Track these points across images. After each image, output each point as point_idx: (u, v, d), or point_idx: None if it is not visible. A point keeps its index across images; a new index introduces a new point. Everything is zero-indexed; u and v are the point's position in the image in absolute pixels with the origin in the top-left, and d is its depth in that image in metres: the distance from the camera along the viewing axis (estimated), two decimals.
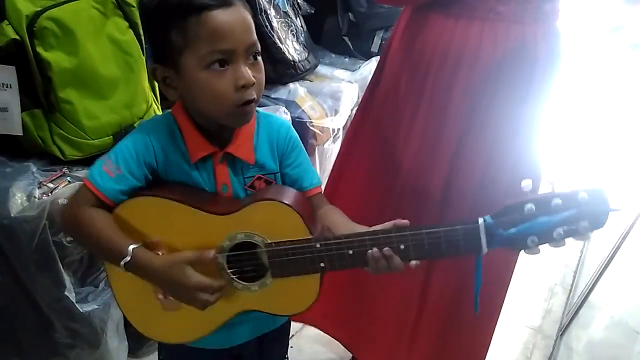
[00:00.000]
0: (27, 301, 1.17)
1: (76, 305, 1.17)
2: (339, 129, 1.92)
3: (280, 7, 1.92)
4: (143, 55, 1.31)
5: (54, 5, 1.15)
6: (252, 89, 0.81)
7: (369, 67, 2.10)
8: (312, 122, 1.77)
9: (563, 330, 1.98)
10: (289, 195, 0.90)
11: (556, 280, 2.34)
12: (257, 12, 1.77)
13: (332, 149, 1.93)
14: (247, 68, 0.80)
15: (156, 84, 1.35)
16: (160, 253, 0.87)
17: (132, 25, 1.28)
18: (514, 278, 2.07)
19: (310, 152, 1.81)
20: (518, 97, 1.23)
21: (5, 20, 1.11)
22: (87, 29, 1.20)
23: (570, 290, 2.26)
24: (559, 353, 1.91)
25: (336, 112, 1.88)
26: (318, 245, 0.85)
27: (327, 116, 1.84)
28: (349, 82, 2.03)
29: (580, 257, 2.47)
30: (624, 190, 2.53)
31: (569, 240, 0.77)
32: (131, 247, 0.84)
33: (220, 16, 0.78)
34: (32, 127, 1.20)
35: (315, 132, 1.79)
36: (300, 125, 1.75)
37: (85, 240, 0.90)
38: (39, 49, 1.14)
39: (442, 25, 1.20)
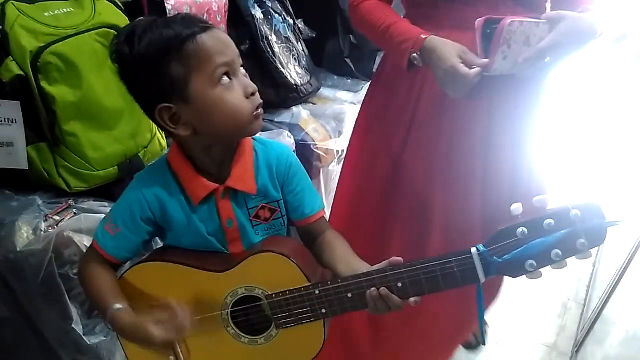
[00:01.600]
0: (34, 335, 1.17)
1: (83, 337, 1.17)
2: (343, 151, 1.92)
3: (282, 33, 1.94)
4: None
5: (57, 40, 1.17)
6: (258, 95, 0.86)
7: None
8: (316, 145, 1.78)
9: (578, 346, 1.94)
10: (284, 244, 0.92)
11: (569, 295, 2.31)
12: (258, 39, 1.79)
13: (336, 171, 1.93)
14: (246, 78, 0.86)
15: None
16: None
17: None
18: (526, 295, 2.05)
19: (315, 175, 1.81)
20: (520, 107, 1.20)
21: (10, 57, 1.13)
22: (90, 62, 1.21)
23: (584, 305, 2.23)
24: None
25: (340, 133, 1.89)
26: (317, 292, 0.86)
27: (330, 138, 1.84)
28: (352, 103, 2.04)
29: (593, 271, 2.44)
30: (633, 201, 2.51)
31: (572, 260, 0.75)
32: (114, 306, 0.86)
33: (209, 37, 0.82)
34: (37, 161, 1.21)
35: (319, 154, 1.79)
36: (304, 148, 1.75)
37: (87, 294, 0.94)
38: (43, 84, 1.16)
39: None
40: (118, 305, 0.87)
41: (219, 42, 0.82)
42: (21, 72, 1.13)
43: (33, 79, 1.14)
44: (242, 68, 0.86)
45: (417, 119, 1.25)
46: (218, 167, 0.90)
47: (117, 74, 0.85)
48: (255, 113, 0.85)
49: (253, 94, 0.84)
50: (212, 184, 0.89)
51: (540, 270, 0.76)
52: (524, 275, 0.77)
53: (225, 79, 0.82)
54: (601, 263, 2.43)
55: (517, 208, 0.75)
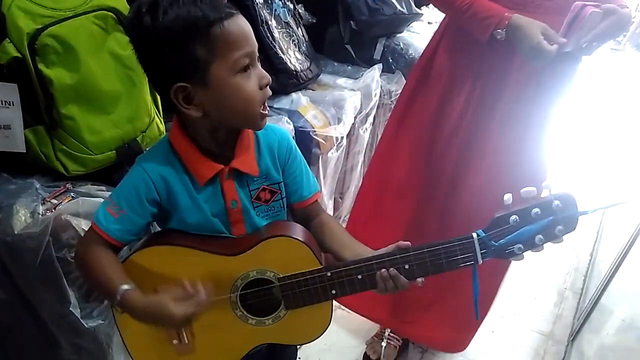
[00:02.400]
0: (32, 318, 1.17)
1: (81, 320, 1.16)
2: (342, 137, 1.92)
3: (282, 17, 1.92)
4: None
5: (54, 22, 1.15)
6: (269, 87, 0.87)
7: (372, 74, 2.10)
8: (315, 131, 1.77)
9: (574, 335, 1.95)
10: (294, 228, 0.95)
11: (566, 284, 2.32)
12: (258, 24, 1.77)
13: (335, 157, 1.92)
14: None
15: (158, 98, 1.35)
16: None
17: None
18: (524, 283, 2.08)
19: (314, 161, 1.80)
20: (558, 89, 1.39)
21: (7, 39, 1.12)
22: (88, 45, 1.20)
23: (581, 294, 2.24)
24: (570, 358, 1.88)
25: (339, 120, 1.88)
26: (329, 274, 0.90)
27: (330, 125, 1.83)
28: (352, 90, 2.03)
29: (590, 260, 2.45)
30: (631, 191, 2.51)
31: (567, 250, 0.85)
32: (122, 287, 0.86)
33: (236, 24, 0.82)
34: (35, 144, 1.20)
35: (318, 141, 1.78)
36: (303, 134, 1.75)
37: (88, 278, 0.94)
38: (41, 66, 1.14)
39: None
40: (126, 286, 0.86)
41: (243, 31, 0.83)
42: (18, 54, 1.12)
43: (30, 61, 1.13)
44: (258, 58, 0.87)
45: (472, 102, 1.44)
46: (221, 149, 0.91)
47: (131, 45, 0.85)
48: (263, 109, 0.86)
49: (267, 85, 0.86)
50: (218, 164, 0.90)
51: (524, 253, 0.88)
52: (511, 258, 0.89)
53: (245, 69, 0.83)
54: (598, 252, 2.43)
55: (508, 198, 0.86)
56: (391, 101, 2.26)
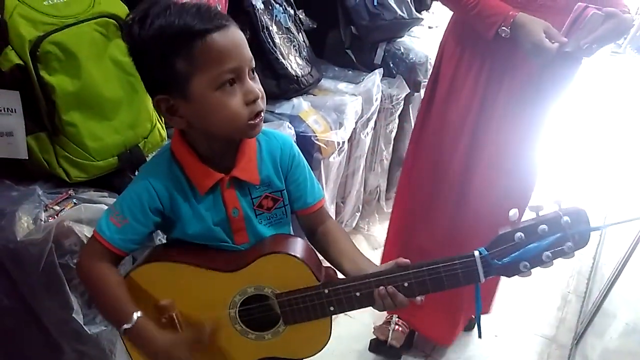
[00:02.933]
0: (34, 324, 1.17)
1: (84, 327, 1.17)
2: (343, 142, 1.92)
3: (282, 23, 1.93)
4: None
5: (56, 29, 1.16)
6: (259, 101, 0.84)
7: (373, 79, 2.11)
8: (316, 136, 1.77)
9: (578, 339, 1.95)
10: (294, 244, 0.94)
11: (569, 288, 2.31)
12: (259, 30, 1.78)
13: (337, 162, 1.92)
14: (252, 83, 0.83)
15: None
16: (168, 316, 0.90)
17: None
18: (527, 287, 2.09)
19: (316, 166, 1.81)
20: (557, 91, 1.42)
21: (9, 46, 1.12)
22: (90, 51, 1.21)
23: (584, 298, 2.23)
24: None
25: (340, 125, 1.88)
26: (326, 291, 0.89)
27: (331, 129, 1.83)
28: (353, 95, 2.03)
29: (594, 264, 2.44)
30: (633, 196, 2.50)
31: (560, 260, 0.83)
32: (136, 315, 0.86)
33: (222, 38, 0.79)
34: (37, 151, 1.20)
35: (320, 145, 1.78)
36: (304, 139, 1.75)
37: (94, 294, 0.94)
38: (43, 73, 1.15)
39: None
40: (137, 315, 0.87)
41: (231, 45, 0.81)
42: (20, 62, 1.12)
43: (32, 68, 1.14)
44: (254, 72, 0.85)
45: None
46: (221, 157, 0.90)
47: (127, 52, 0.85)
48: (251, 122, 0.84)
49: (254, 101, 0.83)
50: (218, 173, 0.90)
51: (531, 270, 0.84)
52: (517, 275, 0.85)
53: (227, 85, 0.81)
54: (601, 256, 2.43)
55: (514, 214, 0.82)
56: (392, 105, 2.26)
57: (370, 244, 2.41)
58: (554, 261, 0.83)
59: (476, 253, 0.84)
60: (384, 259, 1.85)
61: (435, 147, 1.60)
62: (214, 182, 0.90)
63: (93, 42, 1.21)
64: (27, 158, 1.20)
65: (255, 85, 0.84)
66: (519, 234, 0.82)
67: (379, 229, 2.49)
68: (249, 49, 0.84)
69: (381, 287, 0.86)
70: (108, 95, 1.24)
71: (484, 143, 1.50)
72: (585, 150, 3.40)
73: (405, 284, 0.86)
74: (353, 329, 1.88)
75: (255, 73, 0.86)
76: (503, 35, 1.32)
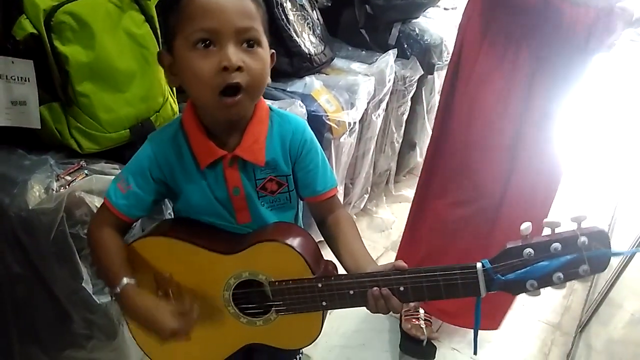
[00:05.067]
0: (45, 292, 1.19)
1: (93, 296, 1.18)
2: (355, 123, 1.91)
3: (297, 0, 1.91)
4: (159, 48, 1.31)
5: None
6: (236, 74, 0.78)
7: (386, 60, 2.09)
8: (327, 116, 1.76)
9: (582, 327, 1.95)
10: (293, 234, 0.92)
11: None
12: (273, 6, 1.76)
13: (347, 143, 1.92)
14: (235, 51, 0.78)
15: None
16: (163, 289, 0.90)
17: (148, 19, 1.28)
18: None
19: (326, 146, 1.80)
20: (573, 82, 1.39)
21: (23, 15, 1.12)
22: (104, 23, 1.20)
23: (590, 287, 2.23)
24: (577, 350, 1.88)
25: (352, 105, 1.87)
26: (320, 285, 0.87)
27: (343, 110, 1.82)
28: (366, 75, 2.01)
29: None
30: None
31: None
32: (125, 279, 0.87)
33: None
34: (50, 121, 1.21)
35: (331, 125, 1.78)
36: (316, 118, 1.74)
37: (94, 258, 0.97)
38: (57, 43, 1.15)
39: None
40: (127, 280, 0.87)
41: (218, 4, 0.77)
42: (34, 31, 1.12)
43: (46, 37, 1.14)
44: (253, 47, 0.80)
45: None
46: (228, 133, 0.89)
47: (147, 24, 0.94)
48: (222, 98, 0.79)
49: (226, 69, 0.77)
50: (219, 150, 0.87)
51: (540, 290, 0.78)
52: (522, 294, 0.79)
53: (200, 45, 0.77)
54: (615, 233, 2.42)
55: (527, 227, 0.76)
56: (405, 87, 2.24)
57: (377, 226, 2.41)
58: (566, 283, 0.77)
59: (479, 265, 0.79)
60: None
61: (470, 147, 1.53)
62: (215, 158, 0.88)
63: (107, 14, 1.21)
64: (39, 128, 1.20)
65: (241, 56, 0.78)
66: (528, 250, 0.76)
67: (387, 212, 2.49)
68: (249, 18, 0.79)
69: (375, 288, 0.83)
70: (121, 67, 1.24)
71: (527, 136, 1.46)
72: (603, 144, 3.34)
73: (401, 288, 0.82)
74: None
75: (255, 48, 0.80)
76: None
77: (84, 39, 1.18)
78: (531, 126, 1.45)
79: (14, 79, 1.14)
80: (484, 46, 1.44)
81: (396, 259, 0.93)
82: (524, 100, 1.43)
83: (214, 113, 0.85)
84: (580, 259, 0.74)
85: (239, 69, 0.78)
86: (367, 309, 0.86)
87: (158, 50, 0.87)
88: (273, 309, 0.92)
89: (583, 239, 0.74)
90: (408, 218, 1.82)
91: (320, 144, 0.99)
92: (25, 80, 1.15)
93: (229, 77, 0.78)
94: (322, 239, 1.01)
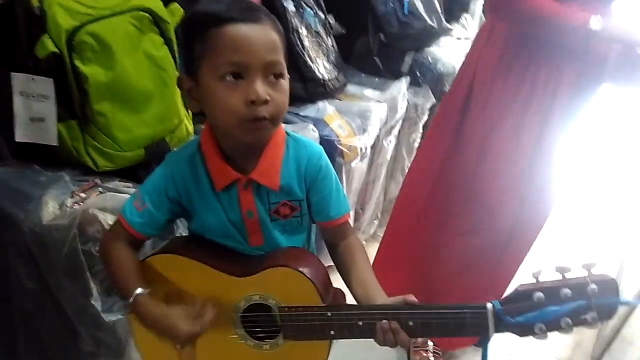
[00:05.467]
0: (54, 308, 1.19)
1: (102, 314, 1.18)
2: (366, 148, 1.92)
3: (312, 26, 1.94)
4: (177, 71, 1.33)
5: (92, 20, 1.18)
6: (263, 107, 0.80)
7: (399, 87, 2.11)
8: (339, 141, 1.77)
9: None
10: (305, 261, 0.92)
11: None
12: (289, 32, 1.79)
13: (359, 168, 1.92)
14: (262, 85, 0.79)
15: None
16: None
17: (167, 42, 1.31)
18: None
19: (338, 171, 1.81)
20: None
21: (46, 34, 1.15)
22: (124, 44, 1.23)
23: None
24: None
25: (364, 131, 1.88)
26: (329, 314, 0.87)
27: (355, 135, 1.83)
28: (378, 101, 2.03)
29: None
30: None
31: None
32: (136, 291, 0.88)
33: (242, 29, 0.79)
34: (67, 138, 1.23)
35: (342, 150, 1.78)
36: (327, 143, 1.75)
37: (107, 271, 0.96)
38: (77, 63, 1.17)
39: None
40: (141, 290, 0.88)
41: (245, 39, 0.78)
42: (56, 50, 1.15)
43: (67, 57, 1.16)
44: (279, 79, 0.82)
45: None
46: (244, 156, 0.89)
47: (165, 46, 0.96)
48: (248, 126, 0.80)
49: (254, 103, 0.79)
50: (234, 173, 0.88)
51: (547, 334, 0.79)
52: (531, 336, 0.80)
53: (230, 77, 0.79)
54: (622, 281, 2.38)
55: (538, 271, 0.77)
56: (417, 115, 2.25)
57: None
58: (574, 328, 0.77)
59: (489, 305, 0.79)
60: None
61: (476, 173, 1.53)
62: (230, 181, 0.89)
63: (127, 35, 1.24)
64: (56, 145, 1.22)
65: (266, 89, 0.79)
66: (539, 294, 0.77)
67: None
68: (275, 51, 0.81)
69: (384, 321, 0.83)
70: (139, 88, 1.26)
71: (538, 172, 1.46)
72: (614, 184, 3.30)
73: (410, 323, 0.82)
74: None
75: (280, 80, 0.82)
76: (596, 25, 1.23)
77: (104, 59, 1.21)
78: (542, 164, 1.46)
79: (34, 97, 1.17)
80: (499, 78, 1.44)
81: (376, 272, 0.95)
82: (538, 133, 1.43)
83: (236, 137, 0.85)
84: (589, 306, 0.75)
85: (265, 102, 0.80)
86: (375, 341, 0.85)
87: (177, 73, 0.88)
88: (281, 334, 0.91)
89: (593, 286, 0.75)
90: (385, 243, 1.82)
91: None
92: (45, 98, 1.18)
93: (256, 110, 0.80)
94: (332, 263, 1.01)
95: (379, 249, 1.84)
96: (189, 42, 0.82)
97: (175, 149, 0.98)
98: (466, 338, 1.72)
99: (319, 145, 0.97)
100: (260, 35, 0.80)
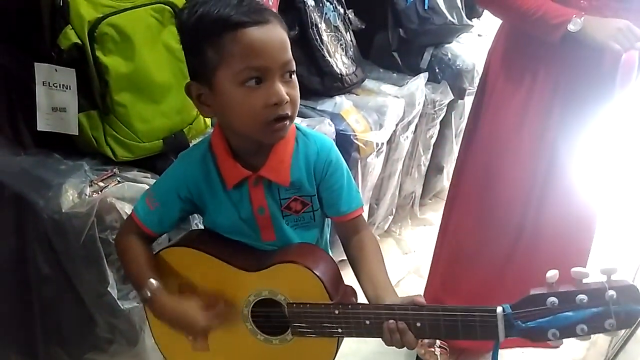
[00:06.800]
0: (71, 294, 1.22)
1: (117, 301, 1.20)
2: (382, 144, 1.91)
3: (332, 21, 1.94)
4: None
5: (114, 12, 1.20)
6: (285, 106, 0.81)
7: (417, 83, 2.09)
8: (356, 135, 1.77)
9: None
10: (315, 257, 0.92)
11: None
12: (308, 26, 1.80)
13: (374, 163, 1.92)
14: (280, 85, 0.80)
15: None
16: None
17: None
18: None
19: (353, 166, 1.81)
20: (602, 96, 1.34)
21: (69, 25, 1.17)
22: (145, 36, 1.25)
23: None
24: None
25: (381, 126, 1.88)
26: (336, 312, 0.87)
27: (371, 130, 1.83)
28: (396, 97, 2.02)
29: None
30: None
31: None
32: (151, 282, 0.89)
33: (256, 33, 0.78)
34: (87, 128, 1.25)
35: (358, 145, 1.79)
36: (344, 138, 1.75)
37: (122, 264, 0.98)
38: (98, 54, 1.19)
39: None
40: (154, 282, 0.89)
41: (262, 42, 0.78)
42: (79, 41, 1.17)
43: (89, 48, 1.18)
44: (292, 76, 0.82)
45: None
46: (254, 154, 0.89)
47: None
48: (271, 126, 0.81)
49: (276, 105, 0.79)
50: (245, 170, 0.89)
51: (562, 340, 0.76)
52: (544, 342, 0.77)
53: (252, 82, 0.79)
54: (638, 282, 2.35)
55: (553, 275, 0.74)
56: (434, 111, 2.24)
57: (400, 248, 2.39)
58: (590, 336, 0.74)
59: (499, 309, 0.77)
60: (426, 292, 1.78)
61: (489, 167, 1.53)
62: (240, 178, 0.89)
63: (148, 27, 1.25)
64: (77, 134, 1.24)
65: (285, 89, 0.80)
66: (552, 298, 0.74)
67: (411, 234, 2.47)
68: (288, 50, 0.81)
69: (391, 321, 0.82)
70: (159, 79, 1.27)
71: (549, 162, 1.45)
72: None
73: (418, 324, 0.81)
74: None
75: (293, 77, 0.83)
76: (573, 28, 1.25)
77: (125, 51, 1.22)
78: (550, 153, 1.44)
79: (56, 86, 1.19)
80: (503, 70, 1.46)
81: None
82: (541, 124, 1.43)
83: (257, 139, 0.86)
84: (607, 312, 0.72)
85: (286, 102, 0.81)
86: (382, 340, 0.85)
87: (190, 80, 0.86)
88: (289, 329, 0.92)
89: (611, 292, 0.71)
90: (435, 244, 1.81)
91: (347, 164, 0.98)
92: (67, 88, 1.20)
93: (277, 110, 0.80)
94: (346, 257, 1.01)
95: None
96: (198, 48, 0.80)
97: (186, 149, 0.98)
98: (481, 344, 1.73)
99: (330, 140, 0.97)
100: (273, 37, 0.80)
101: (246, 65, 0.78)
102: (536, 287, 0.77)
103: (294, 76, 0.84)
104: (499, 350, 0.85)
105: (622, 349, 1.84)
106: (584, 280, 0.74)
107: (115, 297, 1.20)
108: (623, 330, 1.91)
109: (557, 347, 0.76)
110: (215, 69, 0.80)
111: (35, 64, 1.17)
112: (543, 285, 0.76)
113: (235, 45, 0.78)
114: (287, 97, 0.80)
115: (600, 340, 2.06)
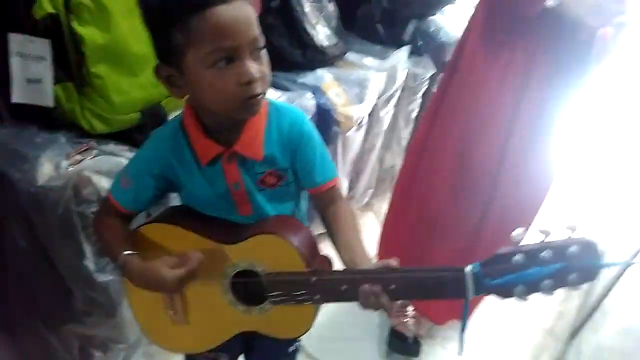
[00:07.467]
0: (48, 267, 1.22)
1: (94, 274, 1.21)
2: (363, 117, 1.92)
3: None
4: None
5: None
6: (257, 83, 0.80)
7: (399, 56, 2.09)
8: (336, 110, 1.77)
9: (574, 333, 1.97)
10: (291, 229, 0.94)
11: None
12: None
13: (355, 137, 1.93)
14: (251, 63, 0.79)
15: None
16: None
17: None
18: None
19: (333, 140, 1.81)
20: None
21: None
22: (121, 6, 1.21)
23: (586, 294, 2.24)
24: (568, 355, 1.90)
25: (362, 100, 1.88)
26: (313, 279, 0.89)
27: (352, 104, 1.83)
28: (377, 70, 2.02)
29: None
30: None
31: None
32: (125, 251, 0.90)
33: (224, 12, 0.76)
34: (63, 100, 1.23)
35: (338, 119, 1.79)
36: (324, 111, 1.75)
37: (100, 244, 1.00)
38: (74, 24, 1.16)
39: None
40: (129, 251, 0.90)
41: (230, 21, 0.76)
42: (53, 11, 1.14)
43: (65, 18, 1.15)
44: (258, 50, 0.81)
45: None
46: (227, 130, 0.89)
47: None
48: (244, 104, 0.81)
49: (249, 83, 0.79)
50: (218, 147, 0.89)
51: (528, 296, 0.80)
52: (511, 298, 0.81)
53: (222, 63, 0.78)
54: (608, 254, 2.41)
55: (519, 234, 0.77)
56: (416, 84, 2.24)
57: (380, 221, 2.43)
58: (554, 291, 0.78)
59: (468, 268, 0.80)
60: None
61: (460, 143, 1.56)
62: (214, 155, 0.89)
63: None
64: (53, 106, 1.22)
65: (255, 66, 0.80)
66: (518, 255, 0.77)
67: None
68: (255, 26, 0.80)
69: (366, 285, 0.84)
70: (136, 51, 1.25)
71: (516, 136, 1.48)
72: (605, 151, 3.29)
73: (392, 286, 0.83)
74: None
75: (262, 52, 0.82)
76: (552, 3, 1.26)
77: (101, 21, 1.19)
78: (524, 126, 1.46)
79: (31, 58, 1.16)
80: (481, 46, 1.46)
81: (380, 248, 0.95)
82: (517, 97, 1.44)
83: (231, 116, 0.85)
84: (569, 268, 0.75)
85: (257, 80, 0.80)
86: (359, 304, 0.87)
87: (157, 63, 0.84)
88: (268, 299, 0.94)
89: (573, 248, 0.75)
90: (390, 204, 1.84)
91: (328, 138, 1.00)
92: (42, 59, 1.17)
93: (251, 88, 0.80)
94: (324, 231, 1.03)
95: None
96: (164, 30, 0.78)
97: (158, 127, 0.97)
98: (453, 311, 1.78)
99: (302, 112, 0.97)
100: (240, 14, 0.78)
101: (215, 46, 0.76)
102: (503, 247, 0.79)
103: (264, 51, 0.83)
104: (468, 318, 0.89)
105: (589, 319, 1.92)
106: (548, 238, 0.77)
107: (92, 270, 1.21)
108: (586, 285, 1.98)
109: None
110: (184, 51, 0.78)
111: (10, 34, 1.14)
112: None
113: (203, 26, 0.75)
114: (258, 75, 0.80)
115: (569, 311, 2.14)
